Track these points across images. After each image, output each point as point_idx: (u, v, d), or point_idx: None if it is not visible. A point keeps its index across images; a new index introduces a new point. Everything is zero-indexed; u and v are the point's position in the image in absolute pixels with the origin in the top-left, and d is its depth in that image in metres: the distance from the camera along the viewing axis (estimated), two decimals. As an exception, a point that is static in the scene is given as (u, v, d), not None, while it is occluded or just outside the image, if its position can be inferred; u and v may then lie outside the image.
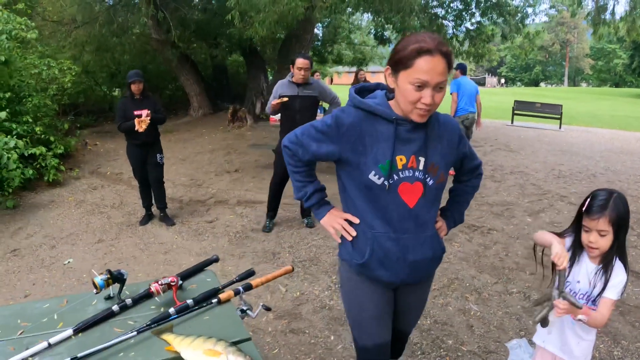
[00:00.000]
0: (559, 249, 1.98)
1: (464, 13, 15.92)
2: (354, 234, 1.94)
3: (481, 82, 70.67)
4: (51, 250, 5.44)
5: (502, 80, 77.95)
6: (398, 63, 1.70)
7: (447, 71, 1.68)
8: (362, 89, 1.99)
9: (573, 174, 9.19)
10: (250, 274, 2.34)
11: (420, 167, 1.83)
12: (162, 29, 13.83)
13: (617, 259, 2.08)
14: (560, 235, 2.21)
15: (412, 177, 1.83)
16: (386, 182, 1.80)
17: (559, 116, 17.66)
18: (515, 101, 18.89)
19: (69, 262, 5.06)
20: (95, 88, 17.13)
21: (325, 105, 7.64)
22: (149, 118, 5.64)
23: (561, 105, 18.10)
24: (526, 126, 17.47)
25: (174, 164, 9.47)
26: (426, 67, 1.64)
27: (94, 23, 12.99)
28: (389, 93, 1.90)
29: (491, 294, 4.23)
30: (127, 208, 6.95)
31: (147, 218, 6.24)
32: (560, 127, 17.40)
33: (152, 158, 6.04)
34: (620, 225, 2.02)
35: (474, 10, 15.78)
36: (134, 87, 5.79)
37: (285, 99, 5.44)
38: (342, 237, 2.02)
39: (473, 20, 16.08)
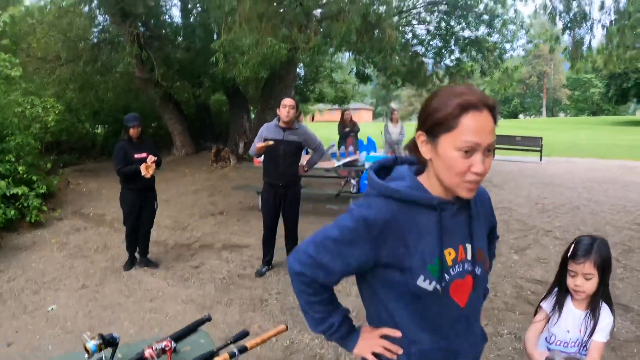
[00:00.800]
0: None
1: (443, 50, 16.27)
2: (400, 351, 1.53)
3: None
4: (34, 296, 5.35)
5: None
6: (437, 125, 1.35)
7: (495, 129, 1.38)
8: (380, 167, 1.58)
9: (557, 207, 9.27)
10: (244, 334, 2.30)
11: (469, 257, 1.49)
12: (145, 67, 13.92)
13: (603, 302, 2.17)
14: (540, 302, 2.32)
15: (463, 271, 1.47)
16: (438, 286, 1.42)
17: (540, 148, 17.93)
18: (495, 135, 19.12)
19: (52, 309, 4.96)
20: (78, 125, 17.14)
21: None
22: (154, 163, 5.63)
23: (541, 138, 18.37)
24: (507, 160, 17.67)
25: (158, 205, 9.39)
26: (475, 125, 1.31)
27: (78, 61, 13.11)
28: (412, 166, 1.54)
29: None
30: (111, 252, 6.86)
31: (131, 263, 6.14)
32: (541, 159, 17.63)
33: (148, 204, 6.03)
34: (605, 268, 2.12)
35: (453, 47, 16.13)
36: (133, 132, 5.77)
37: (271, 142, 5.46)
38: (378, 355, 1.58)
39: (452, 57, 16.44)
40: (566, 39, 11.48)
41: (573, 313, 2.19)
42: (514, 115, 77.63)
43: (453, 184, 1.37)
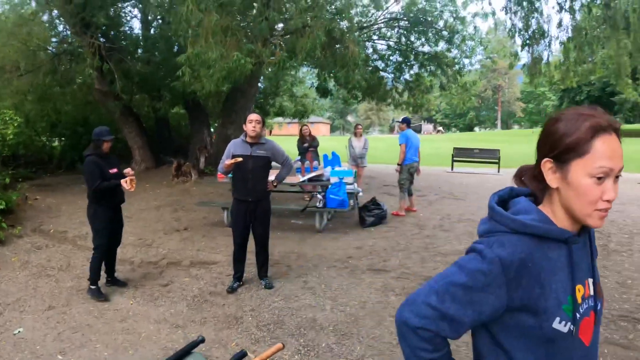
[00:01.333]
0: None
1: (403, 65, 16.54)
2: None
3: (417, 130, 72.70)
4: (-2, 318, 5.17)
5: (439, 127, 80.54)
6: (568, 151, 1.25)
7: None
8: (500, 199, 1.44)
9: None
10: (243, 355, 2.28)
11: (592, 292, 1.39)
12: (105, 80, 13.73)
13: None
14: None
15: (588, 308, 1.36)
16: (572, 327, 1.30)
17: (497, 160, 18.37)
18: (454, 148, 19.57)
19: (19, 331, 4.80)
20: (35, 138, 16.68)
21: None
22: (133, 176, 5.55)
23: (499, 150, 18.87)
24: (466, 172, 18.05)
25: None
26: (608, 149, 1.23)
27: (37, 71, 12.79)
28: (528, 197, 1.42)
29: (459, 345, 4.26)
30: (76, 271, 6.69)
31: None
32: (499, 171, 18.06)
33: (118, 218, 5.92)
34: None
35: (412, 62, 16.41)
36: (107, 146, 5.61)
37: (240, 159, 5.47)
38: None
39: (412, 72, 16.72)
40: (525, 55, 11.87)
41: None
42: (469, 128, 79.35)
43: (584, 213, 1.27)
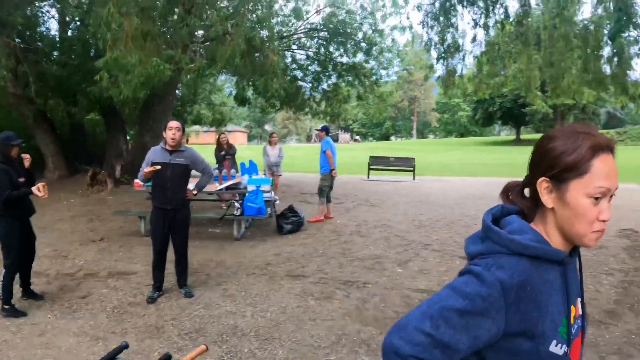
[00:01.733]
0: None
1: (321, 75, 16.83)
2: None
3: (335, 139, 73.81)
4: None
5: (356, 136, 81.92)
6: (568, 170, 1.22)
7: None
8: (493, 218, 1.37)
9: (432, 222, 9.97)
10: (168, 357, 2.33)
11: (581, 312, 1.37)
12: (20, 82, 13.15)
13: None
14: None
15: (578, 327, 1.34)
16: (567, 349, 1.26)
17: (412, 168, 19.00)
18: (370, 157, 20.06)
19: None
20: None
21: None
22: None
23: (414, 158, 19.52)
24: (382, 180, 18.55)
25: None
26: (606, 169, 1.21)
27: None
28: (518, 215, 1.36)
29: (379, 345, 4.47)
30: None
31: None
32: (414, 179, 18.69)
33: (29, 231, 5.67)
34: None
35: (331, 72, 16.73)
36: (15, 152, 5.33)
37: (158, 167, 5.47)
38: None
39: (330, 82, 17.04)
40: (440, 67, 12.44)
41: None
42: (386, 137, 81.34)
43: (581, 234, 1.23)
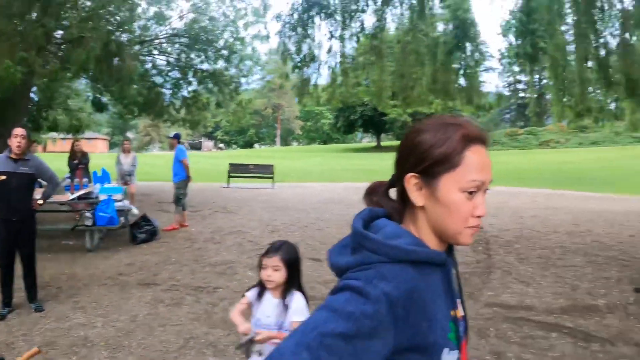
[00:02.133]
0: (243, 328, 2.66)
1: (181, 81, 16.71)
2: None
3: (197, 147, 73.04)
4: None
5: (220, 144, 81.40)
6: (438, 163, 1.12)
7: None
8: (364, 223, 1.20)
9: (287, 227, 10.39)
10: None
11: (462, 312, 1.26)
12: None
13: (296, 291, 2.74)
14: (246, 291, 2.91)
15: (463, 329, 1.24)
16: (458, 354, 1.17)
17: (272, 175, 19.41)
18: (230, 164, 20.21)
19: None
20: None
21: None
22: None
23: (273, 165, 19.98)
24: (242, 187, 18.79)
25: None
26: (480, 161, 1.12)
27: None
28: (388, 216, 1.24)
29: (226, 345, 4.71)
30: None
31: None
32: (273, 186, 19.11)
33: None
34: (291, 264, 2.72)
35: (191, 79, 16.66)
36: None
37: (3, 177, 5.32)
38: None
39: (190, 89, 16.97)
40: (295, 76, 12.89)
41: (270, 301, 2.72)
42: (250, 144, 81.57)
43: (456, 231, 1.14)
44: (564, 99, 11.72)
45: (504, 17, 19.86)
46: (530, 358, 4.59)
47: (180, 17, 16.23)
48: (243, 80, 17.75)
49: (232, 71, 16.94)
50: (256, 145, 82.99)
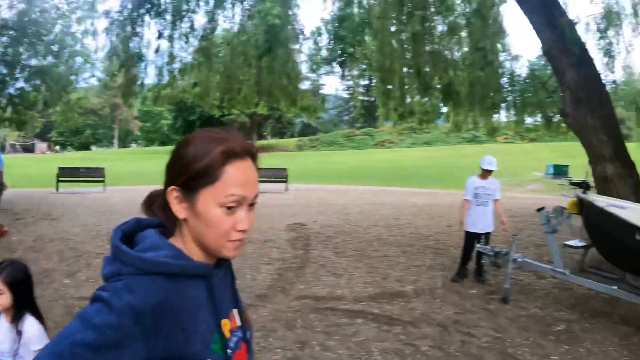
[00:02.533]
0: None
1: (7, 78, 15.71)
2: None
3: (30, 149, 68.34)
4: None
5: (55, 146, 76.04)
6: (196, 178, 1.12)
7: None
8: (125, 235, 1.22)
9: (110, 232, 10.23)
10: None
11: (239, 322, 1.28)
12: None
13: (29, 314, 2.56)
14: None
15: (238, 340, 1.25)
16: None
17: (103, 179, 18.91)
18: (59, 168, 19.30)
19: None
20: None
21: None
22: None
23: (104, 168, 19.48)
24: (71, 192, 18.12)
25: None
26: (241, 176, 1.13)
27: None
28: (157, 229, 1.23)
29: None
30: None
31: None
32: (104, 189, 18.70)
33: None
34: (18, 286, 2.52)
35: (18, 75, 15.73)
36: None
37: None
38: None
39: (17, 86, 16.01)
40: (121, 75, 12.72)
41: (4, 326, 2.51)
42: (86, 146, 76.89)
43: (217, 245, 1.15)
44: (389, 103, 13.00)
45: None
46: (334, 345, 4.88)
47: (10, 7, 15.25)
48: (73, 78, 17.04)
49: (62, 68, 16.23)
50: (93, 147, 78.64)
